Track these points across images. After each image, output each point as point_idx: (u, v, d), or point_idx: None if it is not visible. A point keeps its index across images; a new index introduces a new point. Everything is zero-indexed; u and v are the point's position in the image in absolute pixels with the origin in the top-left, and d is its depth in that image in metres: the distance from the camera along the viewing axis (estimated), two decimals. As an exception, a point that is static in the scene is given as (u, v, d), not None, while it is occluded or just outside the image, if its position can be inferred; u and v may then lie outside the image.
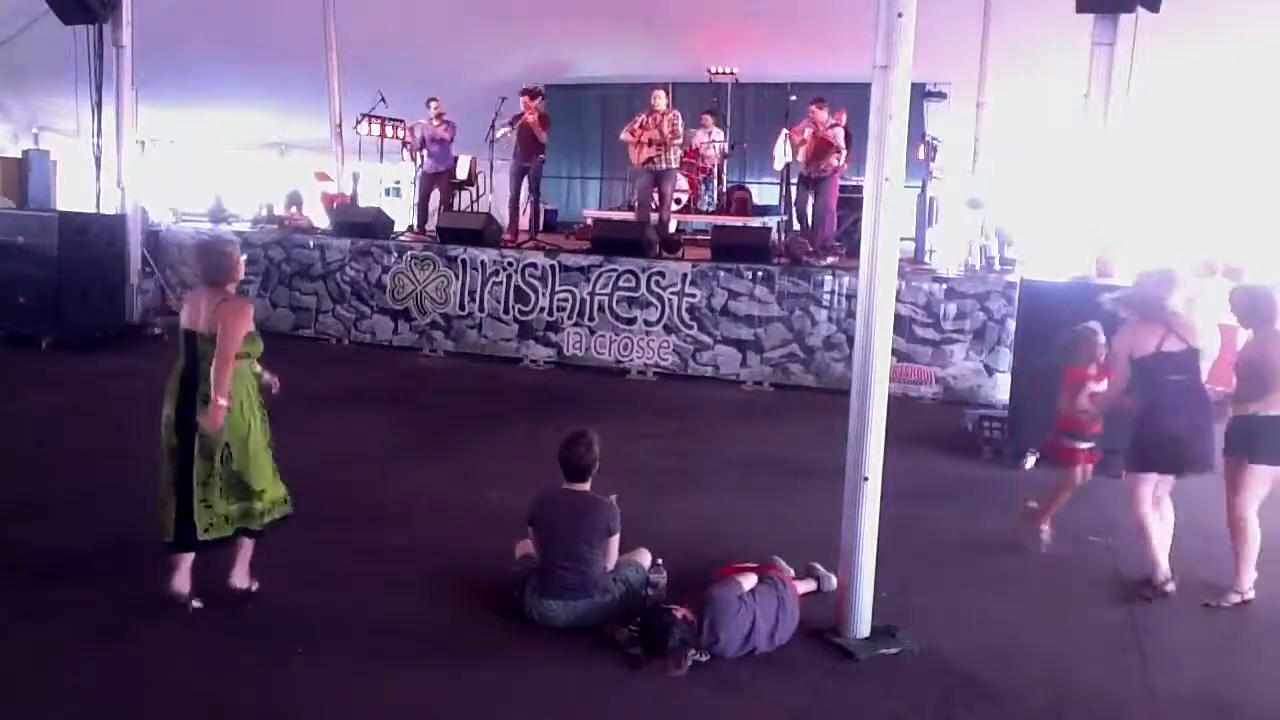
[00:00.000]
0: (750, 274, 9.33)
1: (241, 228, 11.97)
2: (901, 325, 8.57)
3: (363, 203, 13.38)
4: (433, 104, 11.48)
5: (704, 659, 3.80)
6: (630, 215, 11.58)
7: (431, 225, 11.66)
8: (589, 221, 12.13)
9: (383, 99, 12.62)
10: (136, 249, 10.86)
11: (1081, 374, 5.07)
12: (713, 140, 12.67)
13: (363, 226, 10.97)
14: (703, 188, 12.91)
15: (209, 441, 3.93)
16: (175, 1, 11.54)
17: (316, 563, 4.60)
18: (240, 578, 4.21)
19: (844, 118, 10.50)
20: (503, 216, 11.57)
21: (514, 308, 10.09)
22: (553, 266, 9.96)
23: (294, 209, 12.58)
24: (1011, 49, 11.27)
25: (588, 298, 9.81)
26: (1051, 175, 11.46)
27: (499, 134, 11.19)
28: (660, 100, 10.42)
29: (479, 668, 3.78)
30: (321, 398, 7.54)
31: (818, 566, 4.61)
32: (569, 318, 9.90)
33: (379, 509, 5.46)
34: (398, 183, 15.21)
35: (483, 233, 10.41)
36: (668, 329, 9.58)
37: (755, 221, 11.84)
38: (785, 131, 11.06)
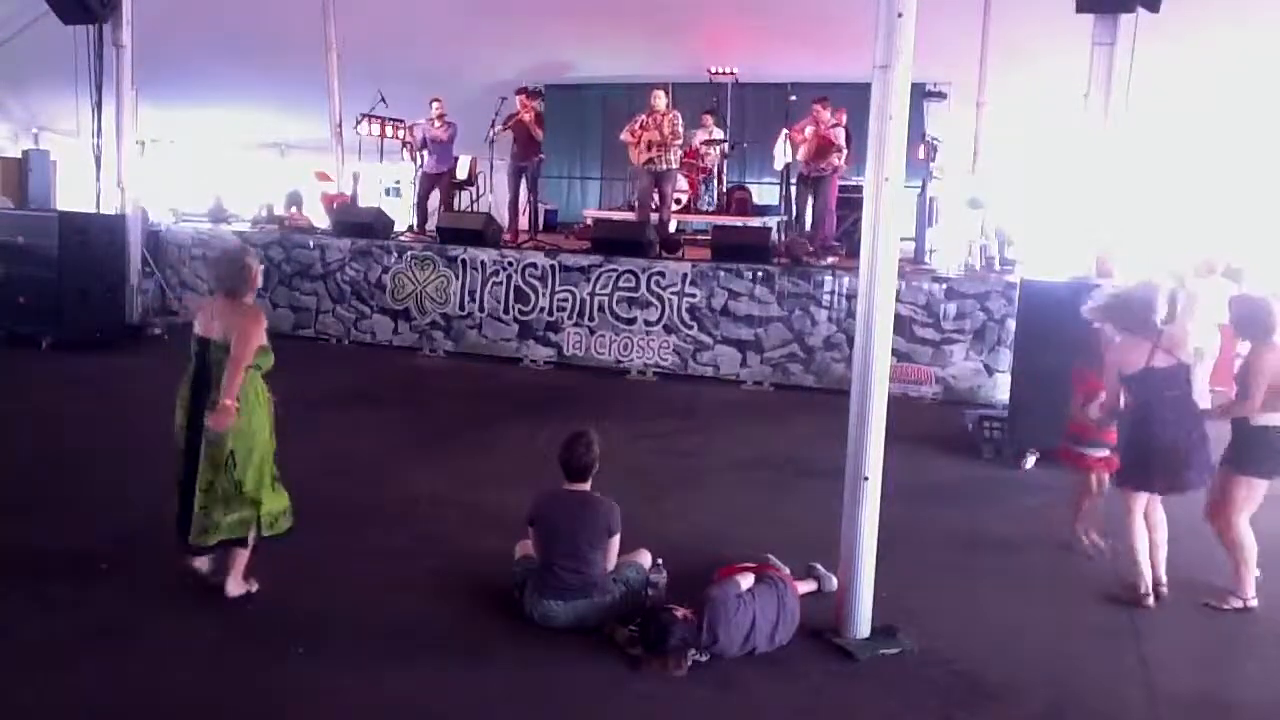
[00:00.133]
0: (750, 274, 9.33)
1: (241, 228, 11.98)
2: (901, 325, 8.57)
3: (363, 203, 13.37)
4: (435, 104, 11.49)
5: (704, 659, 3.80)
6: (630, 215, 11.58)
7: (431, 225, 11.66)
8: (589, 221, 12.14)
9: (383, 99, 12.62)
10: (136, 249, 10.86)
11: (1093, 381, 5.01)
12: (713, 140, 12.67)
13: (363, 226, 10.97)
14: (703, 188, 12.91)
15: (215, 449, 3.97)
16: (175, 1, 11.54)
17: (316, 563, 4.60)
18: (235, 586, 4.20)
19: (844, 118, 10.50)
20: (503, 217, 11.58)
21: (514, 308, 10.09)
22: (553, 266, 9.97)
23: (294, 209, 12.57)
24: (1011, 49, 11.26)
25: (588, 298, 9.81)
26: (1051, 175, 11.47)
27: (494, 133, 11.18)
28: (660, 100, 10.42)
29: (479, 668, 3.78)
30: (321, 398, 7.54)
31: (818, 567, 4.61)
32: (569, 318, 9.90)
33: (379, 509, 5.46)
34: (398, 183, 15.20)
35: (483, 233, 10.41)
36: (668, 329, 9.58)
37: (755, 221, 11.84)
38: (785, 131, 11.06)
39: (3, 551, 4.55)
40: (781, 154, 11.44)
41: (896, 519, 4.32)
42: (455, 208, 12.81)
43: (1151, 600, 4.58)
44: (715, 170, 12.94)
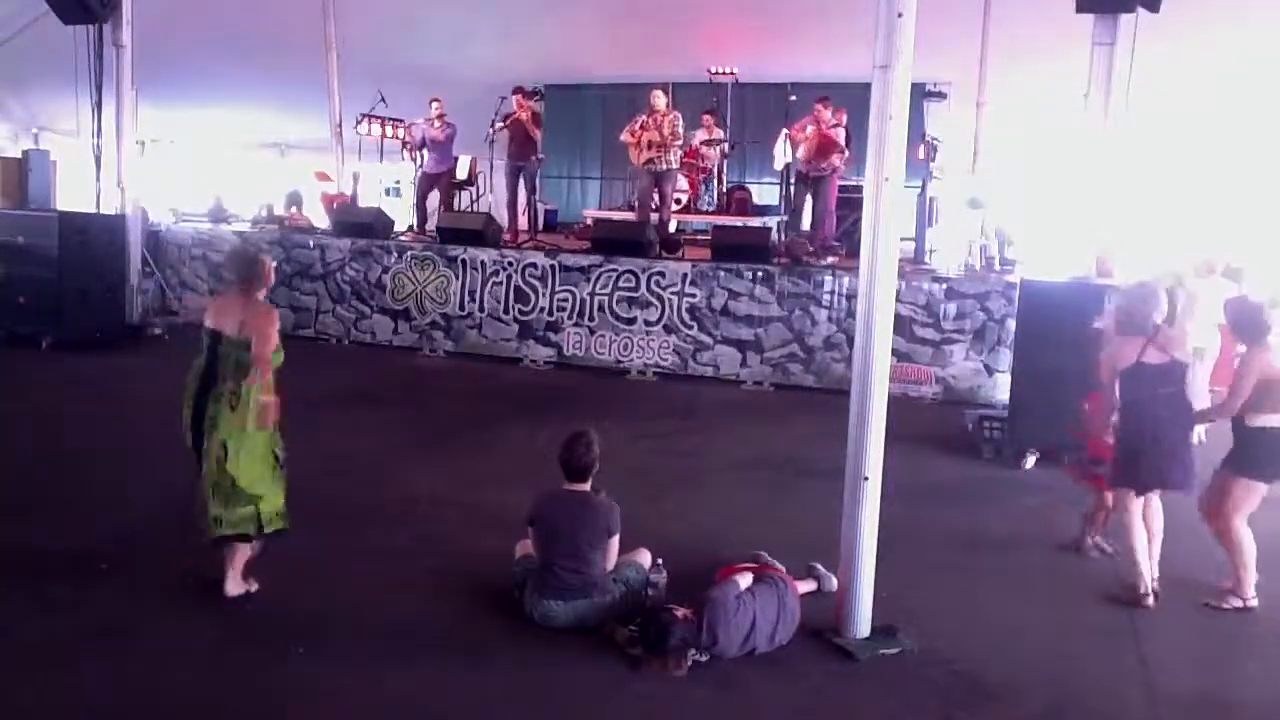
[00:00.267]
0: (750, 274, 9.33)
1: (241, 228, 11.98)
2: (901, 325, 8.57)
3: (363, 203, 13.37)
4: (434, 104, 11.48)
5: (704, 659, 3.80)
6: (630, 215, 11.58)
7: (431, 225, 11.66)
8: (589, 221, 12.13)
9: (383, 99, 12.62)
10: (136, 249, 10.86)
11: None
12: (713, 140, 12.67)
13: (363, 226, 10.97)
14: (703, 188, 12.90)
15: (213, 443, 4.00)
16: (175, 1, 11.53)
17: (317, 563, 4.60)
18: (234, 585, 4.20)
19: (844, 117, 10.49)
20: (502, 217, 11.58)
21: (514, 308, 10.09)
22: (553, 266, 9.96)
23: (294, 209, 12.57)
24: (1011, 49, 11.26)
25: (588, 298, 9.81)
26: (1051, 175, 11.46)
27: (493, 133, 11.17)
28: (660, 100, 10.42)
29: (479, 668, 3.79)
30: (321, 398, 7.53)
31: (818, 567, 4.61)
32: (569, 318, 9.90)
33: (379, 509, 5.46)
34: (398, 183, 15.19)
35: (483, 233, 10.41)
36: (668, 329, 9.58)
37: (755, 221, 11.83)
38: (785, 131, 11.05)
39: (3, 551, 4.55)
40: (781, 154, 11.43)
41: (896, 519, 4.32)
42: (455, 208, 12.80)
43: (1151, 600, 4.58)
44: (715, 170, 12.94)
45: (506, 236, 10.93)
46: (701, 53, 13.50)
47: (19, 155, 12.26)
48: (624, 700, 3.60)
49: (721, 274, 9.41)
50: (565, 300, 9.89)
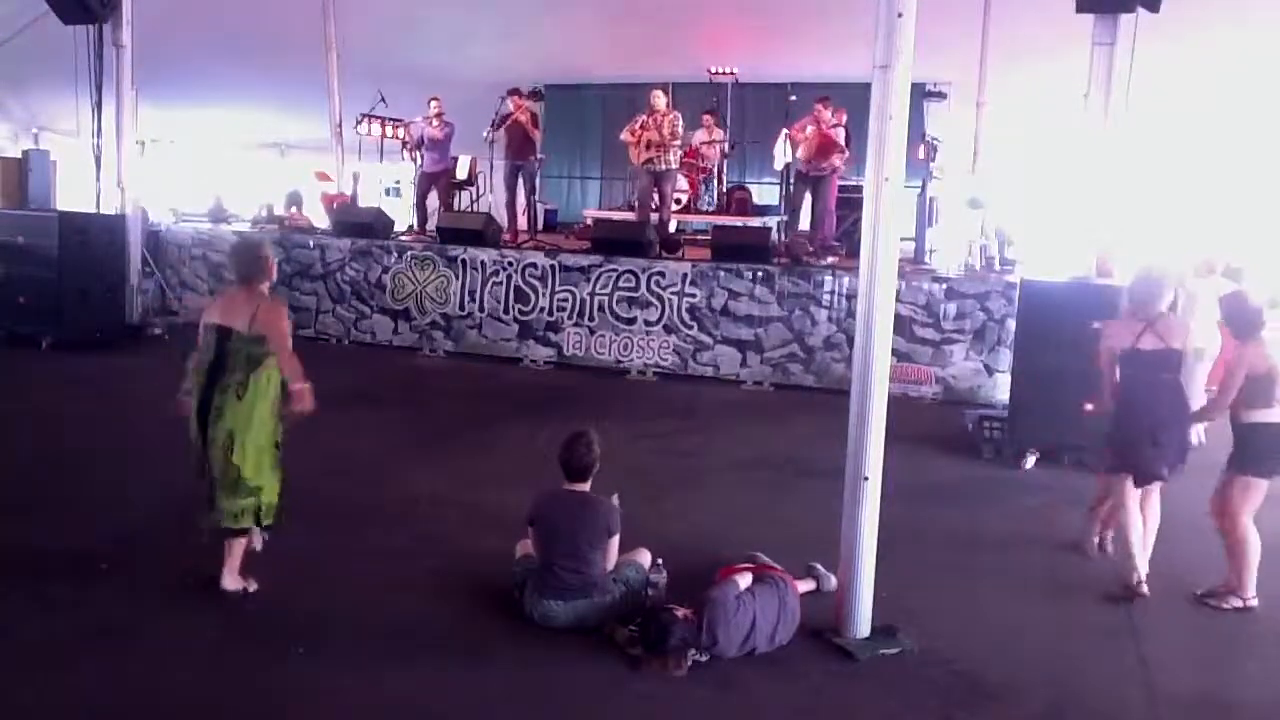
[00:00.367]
0: (750, 274, 9.33)
1: (241, 228, 11.98)
2: (901, 325, 8.56)
3: (363, 203, 13.37)
4: (433, 103, 11.48)
5: (704, 659, 3.80)
6: (630, 215, 11.58)
7: (431, 225, 11.66)
8: (589, 221, 12.14)
9: (383, 99, 12.62)
10: (136, 249, 10.86)
11: None
12: (713, 140, 12.67)
13: (363, 226, 10.97)
14: (703, 188, 12.91)
15: (219, 433, 4.05)
16: (175, 1, 11.53)
17: (317, 563, 4.61)
18: (231, 580, 4.23)
19: (844, 117, 10.49)
20: (502, 217, 11.58)
21: (514, 308, 10.09)
22: (553, 266, 9.96)
23: (294, 209, 12.56)
24: (1011, 49, 11.26)
25: (588, 298, 9.81)
26: (1051, 175, 11.46)
27: (485, 135, 11.17)
28: (660, 100, 10.42)
29: (479, 668, 3.79)
30: (321, 398, 7.51)
31: (817, 566, 4.61)
32: (569, 318, 9.90)
33: (379, 509, 5.46)
34: (398, 183, 15.19)
35: (483, 233, 10.41)
36: (668, 329, 9.58)
37: (755, 221, 11.84)
38: (785, 131, 11.05)
39: (3, 551, 4.55)
40: (781, 154, 11.43)
41: (896, 519, 4.32)
42: (455, 208, 12.81)
43: (1145, 589, 4.58)
44: (715, 170, 12.94)
45: (506, 236, 10.94)
46: (701, 53, 13.50)
47: (19, 155, 12.26)
48: (624, 700, 3.60)
49: (721, 274, 9.41)
50: (565, 300, 9.89)
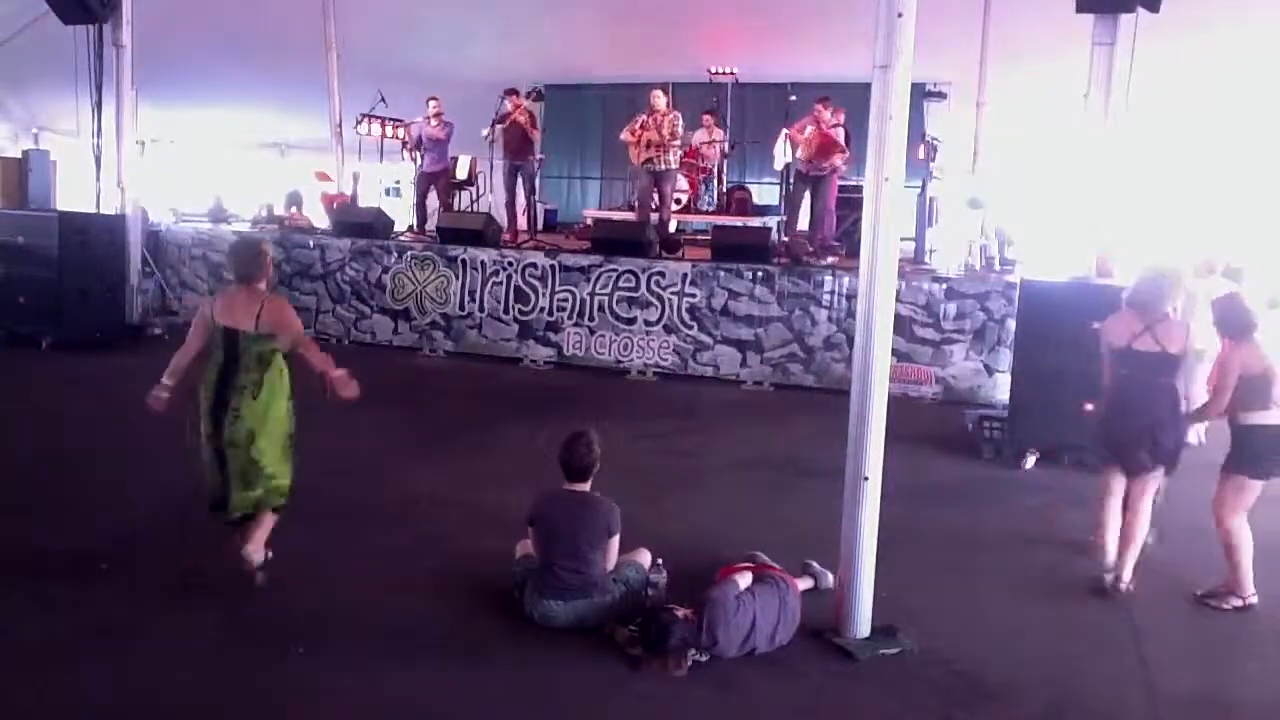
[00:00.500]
0: (750, 274, 9.33)
1: (241, 228, 11.98)
2: (901, 325, 8.57)
3: (363, 203, 13.36)
4: (432, 103, 11.47)
5: (704, 659, 3.80)
6: (630, 215, 11.58)
7: (431, 225, 11.66)
8: (589, 221, 12.14)
9: (383, 99, 12.62)
10: (136, 249, 10.87)
11: None
12: (713, 140, 12.67)
13: (363, 226, 10.97)
14: (703, 188, 12.91)
15: (234, 428, 4.17)
16: (175, 1, 11.53)
17: (317, 563, 4.61)
18: (257, 551, 4.33)
19: (843, 117, 10.49)
20: (502, 217, 11.59)
21: (514, 308, 10.09)
22: (553, 266, 9.96)
23: (294, 209, 12.56)
24: (1011, 49, 11.26)
25: (588, 298, 9.81)
26: (1051, 175, 11.46)
27: (484, 135, 11.16)
28: (660, 100, 10.42)
29: (479, 668, 3.79)
30: (320, 397, 7.53)
31: (813, 564, 4.62)
32: (569, 318, 9.90)
33: (379, 509, 5.46)
34: (398, 183, 15.19)
35: (483, 233, 10.41)
36: (668, 329, 9.58)
37: (755, 221, 11.84)
38: (785, 131, 11.05)
39: (3, 551, 4.55)
40: (781, 154, 11.43)
41: (896, 519, 4.32)
42: (455, 208, 12.80)
43: (1109, 584, 4.62)
44: (715, 170, 12.94)
45: (506, 236, 10.94)
46: (701, 53, 13.50)
47: (19, 155, 12.26)
48: (624, 700, 3.60)
49: (721, 274, 9.41)
50: (565, 300, 9.89)
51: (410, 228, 12.06)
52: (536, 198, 12.12)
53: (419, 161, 11.96)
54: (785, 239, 10.44)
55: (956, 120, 12.70)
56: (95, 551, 4.57)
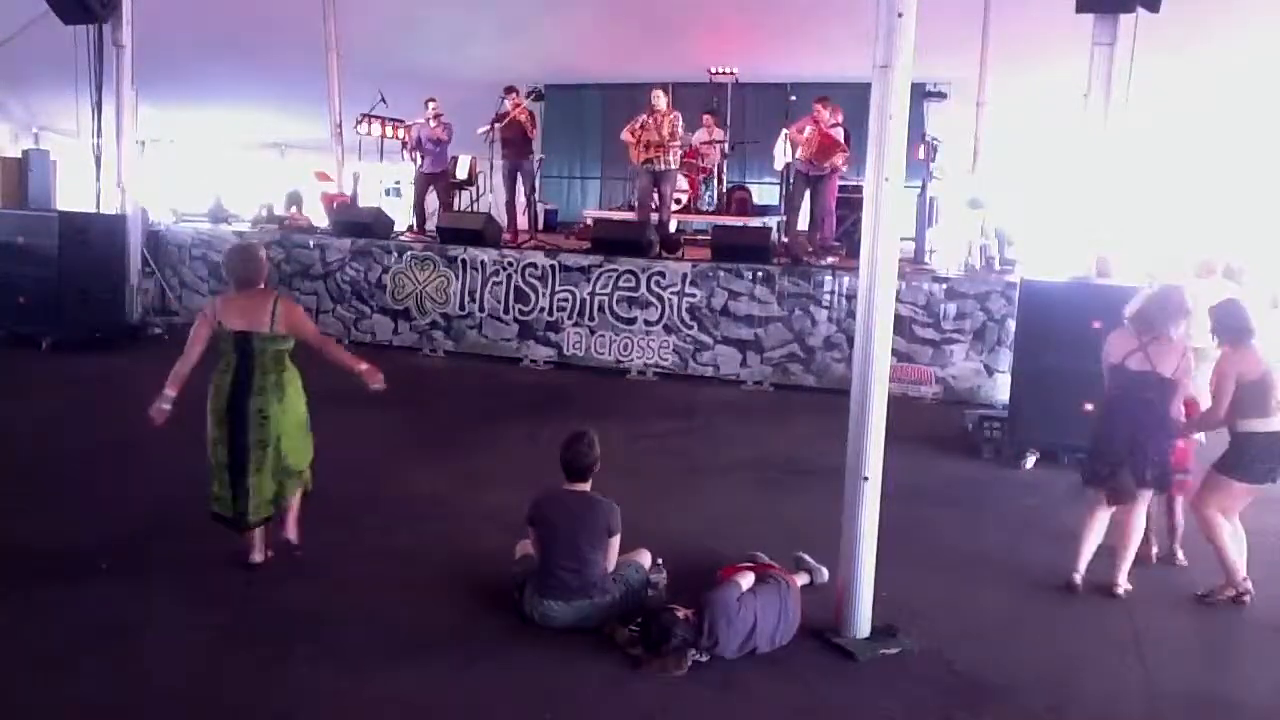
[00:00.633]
0: (750, 274, 9.33)
1: (241, 228, 11.98)
2: (901, 325, 8.56)
3: (363, 203, 13.37)
4: (431, 104, 11.47)
5: (704, 659, 3.80)
6: (630, 215, 11.58)
7: (431, 225, 11.66)
8: (589, 221, 12.13)
9: (383, 99, 12.61)
10: (136, 249, 10.87)
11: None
12: (713, 140, 12.67)
13: (363, 226, 10.97)
14: (703, 188, 12.91)
15: (262, 431, 4.30)
16: (175, 1, 11.53)
17: (316, 563, 4.61)
18: (294, 532, 4.62)
19: (841, 116, 10.48)
20: (502, 217, 11.59)
21: (514, 308, 10.09)
22: (553, 266, 9.96)
23: (294, 209, 12.58)
24: (1011, 49, 11.26)
25: (588, 298, 9.81)
26: (1051, 175, 11.46)
27: (481, 131, 11.16)
28: (660, 100, 10.41)
29: (479, 668, 3.78)
30: (321, 398, 7.52)
31: (806, 558, 4.63)
32: (569, 318, 9.90)
33: (379, 509, 5.46)
34: (398, 183, 15.19)
35: (483, 233, 10.41)
36: (668, 329, 9.58)
37: (755, 221, 11.83)
38: (785, 131, 11.05)
39: (2, 552, 4.55)
40: (781, 154, 11.43)
41: (896, 519, 4.31)
42: (455, 208, 12.81)
43: (1074, 585, 4.65)
44: (715, 170, 12.94)
45: (506, 236, 10.94)
46: (701, 53, 13.50)
47: (19, 155, 12.26)
48: (624, 700, 3.60)
49: (721, 274, 9.41)
50: (565, 300, 9.89)
51: (410, 228, 12.06)
52: (536, 197, 12.13)
53: (419, 162, 11.97)
54: (785, 239, 10.44)
55: (956, 120, 12.70)
56: (95, 551, 4.57)
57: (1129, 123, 8.28)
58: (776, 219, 11.84)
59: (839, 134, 10.28)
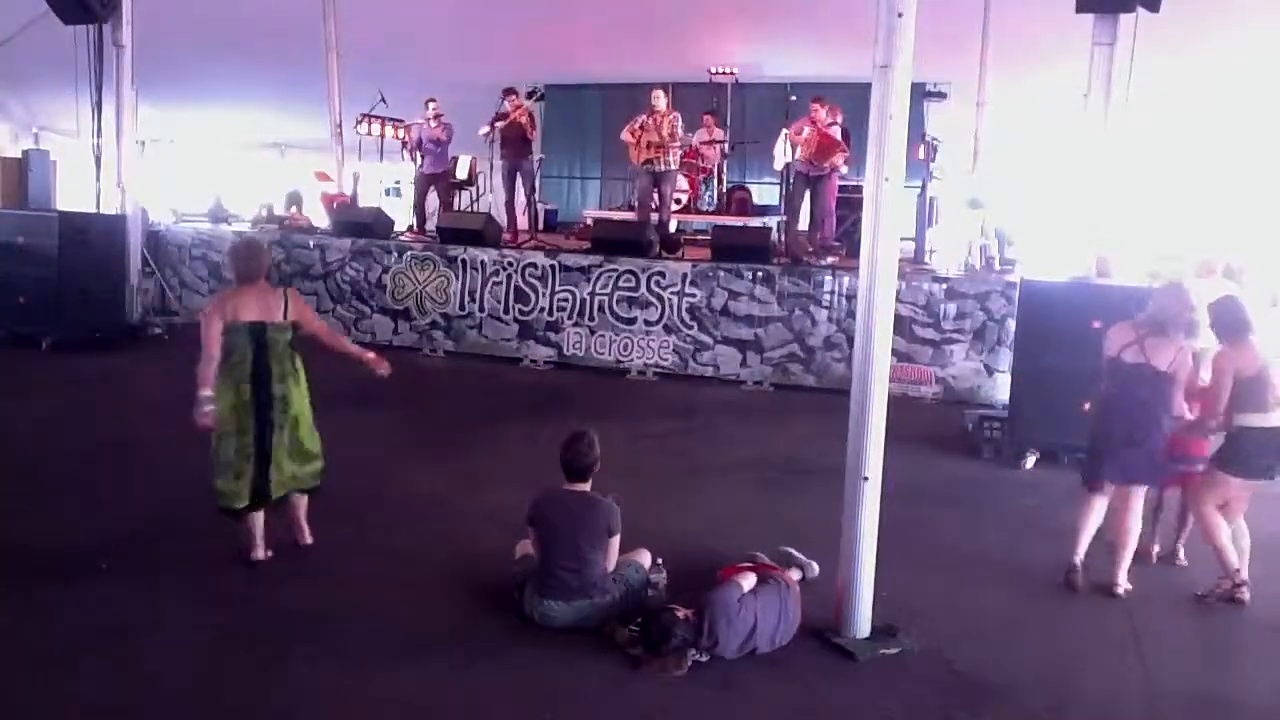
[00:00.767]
0: (750, 274, 9.33)
1: (241, 228, 11.98)
2: (901, 325, 8.56)
3: (363, 203, 13.37)
4: (431, 104, 11.47)
5: (704, 659, 3.80)
6: (630, 215, 11.58)
7: (431, 225, 11.66)
8: (589, 221, 12.14)
9: (383, 99, 12.62)
10: (136, 249, 10.86)
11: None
12: (713, 140, 12.67)
13: (363, 226, 10.97)
14: (703, 188, 12.91)
15: (284, 415, 4.49)
16: (175, 1, 11.53)
17: (317, 562, 4.62)
18: (305, 534, 4.76)
19: (841, 116, 10.48)
20: (502, 217, 11.59)
21: (514, 308, 10.09)
22: (553, 266, 9.97)
23: (294, 209, 12.57)
24: (1011, 49, 11.26)
25: (588, 298, 9.81)
26: (1051, 175, 11.46)
27: (481, 132, 11.16)
28: (660, 100, 10.41)
29: (479, 668, 3.78)
30: (321, 398, 7.52)
31: (793, 553, 4.64)
32: (569, 318, 9.90)
33: (379, 509, 5.46)
34: (398, 183, 15.19)
35: (483, 233, 10.41)
36: (668, 329, 9.58)
37: (755, 221, 11.83)
38: (785, 131, 11.05)
39: (2, 552, 4.55)
40: (781, 154, 11.42)
41: (896, 519, 4.31)
42: (455, 208, 12.81)
43: (1072, 581, 4.66)
44: (715, 170, 12.94)
45: (506, 236, 10.94)
46: (701, 53, 13.51)
47: (19, 155, 12.27)
48: (624, 700, 3.60)
49: (721, 274, 9.41)
50: (565, 300, 9.90)
51: (410, 228, 12.06)
52: (536, 197, 12.12)
53: (419, 162, 11.97)
54: (785, 239, 10.44)
55: (956, 120, 12.70)
56: (95, 551, 4.57)
57: (1129, 123, 8.29)
58: (776, 219, 11.84)
59: (836, 133, 10.27)
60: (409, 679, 3.67)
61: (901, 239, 4.42)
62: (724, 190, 13.17)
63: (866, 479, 3.98)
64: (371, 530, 5.14)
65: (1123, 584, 4.64)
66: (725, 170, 13.32)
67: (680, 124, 10.47)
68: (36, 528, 4.86)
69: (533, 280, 10.02)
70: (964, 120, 12.35)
